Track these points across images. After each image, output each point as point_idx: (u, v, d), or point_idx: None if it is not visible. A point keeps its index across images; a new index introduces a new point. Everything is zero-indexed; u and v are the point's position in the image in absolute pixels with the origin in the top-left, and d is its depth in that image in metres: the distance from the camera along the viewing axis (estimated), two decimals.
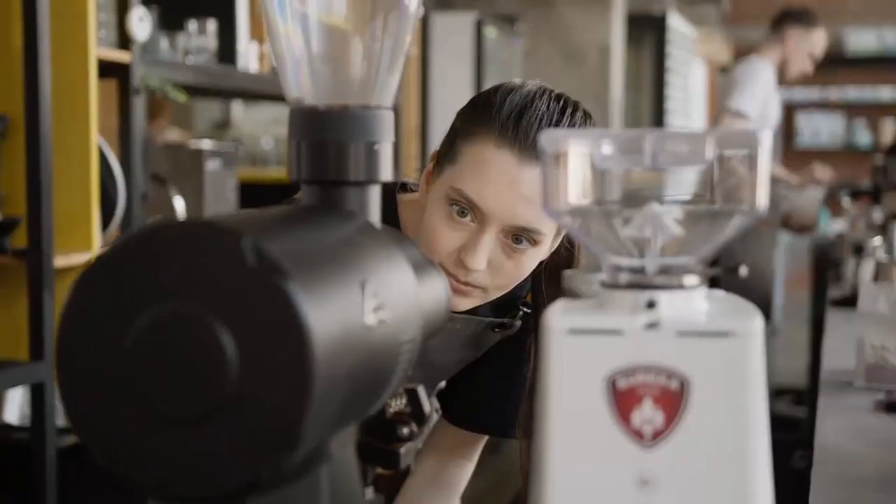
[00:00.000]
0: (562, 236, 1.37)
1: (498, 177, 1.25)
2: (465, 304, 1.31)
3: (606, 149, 0.69)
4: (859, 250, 3.23)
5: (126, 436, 0.62)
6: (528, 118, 1.27)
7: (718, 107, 4.39)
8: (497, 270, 1.29)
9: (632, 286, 0.69)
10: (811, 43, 4.54)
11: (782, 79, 4.56)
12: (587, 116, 1.35)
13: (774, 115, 4.61)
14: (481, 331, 1.45)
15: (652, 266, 0.69)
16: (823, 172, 4.96)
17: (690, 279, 0.69)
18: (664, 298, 0.68)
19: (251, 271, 0.59)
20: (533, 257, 1.30)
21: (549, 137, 0.69)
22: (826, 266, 4.62)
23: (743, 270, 0.70)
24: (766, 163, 0.67)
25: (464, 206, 1.27)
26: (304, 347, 0.59)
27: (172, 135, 4.85)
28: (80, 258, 2.37)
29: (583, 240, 0.71)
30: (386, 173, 0.80)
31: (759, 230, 4.50)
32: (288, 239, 0.64)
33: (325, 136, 0.78)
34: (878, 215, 4.21)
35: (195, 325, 0.60)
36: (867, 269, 2.85)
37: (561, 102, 1.31)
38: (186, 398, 0.60)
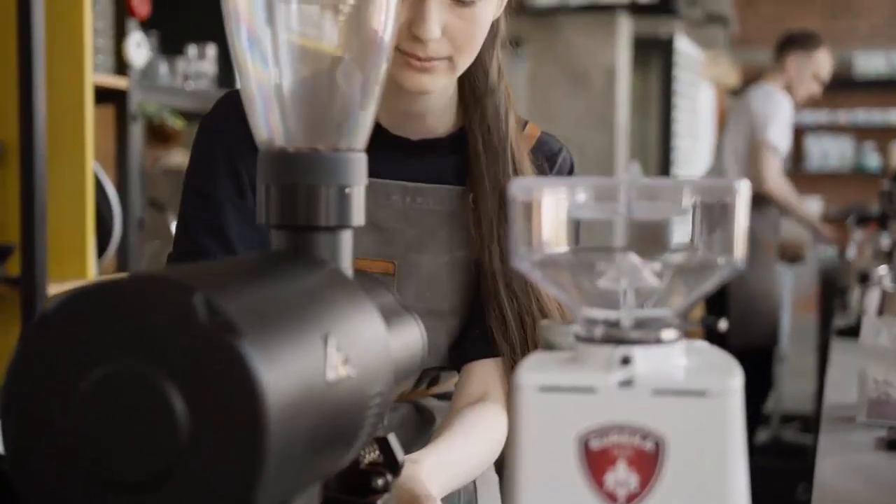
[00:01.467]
0: None
1: None
2: (436, 81, 1.27)
3: (580, 197, 0.66)
4: (865, 279, 3.19)
5: (73, 500, 0.59)
6: None
7: (752, 141, 4.33)
8: (454, 35, 1.25)
9: (607, 340, 0.66)
10: (814, 66, 4.52)
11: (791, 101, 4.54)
12: None
13: (789, 144, 4.63)
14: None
15: (627, 319, 0.67)
16: (843, 236, 4.95)
17: (668, 333, 0.67)
18: (640, 354, 0.65)
19: (202, 328, 0.57)
20: (485, 10, 1.26)
21: (519, 185, 0.67)
22: (832, 293, 4.59)
23: (722, 325, 0.68)
24: (743, 213, 0.64)
25: None
26: (256, 407, 0.56)
27: (178, 157, 4.84)
28: (74, 286, 2.35)
29: (555, 292, 0.69)
30: (359, 218, 0.78)
31: (767, 253, 4.47)
32: (245, 292, 0.62)
33: (295, 180, 0.76)
34: (885, 241, 4.18)
35: (145, 384, 0.57)
36: (873, 298, 2.82)
37: None
38: (135, 461, 0.58)
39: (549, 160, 1.41)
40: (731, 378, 0.64)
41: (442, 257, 1.36)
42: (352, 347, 0.67)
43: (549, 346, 0.73)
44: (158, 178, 2.99)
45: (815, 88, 4.57)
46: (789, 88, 4.51)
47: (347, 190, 0.77)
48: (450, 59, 1.26)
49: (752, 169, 4.40)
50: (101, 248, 2.51)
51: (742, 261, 0.65)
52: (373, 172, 1.32)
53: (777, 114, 4.39)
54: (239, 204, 1.31)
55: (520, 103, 6.94)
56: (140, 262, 2.63)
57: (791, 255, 4.81)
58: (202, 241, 1.30)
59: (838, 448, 1.65)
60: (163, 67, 2.84)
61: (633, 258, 0.67)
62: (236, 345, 0.56)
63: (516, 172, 1.34)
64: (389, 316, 0.78)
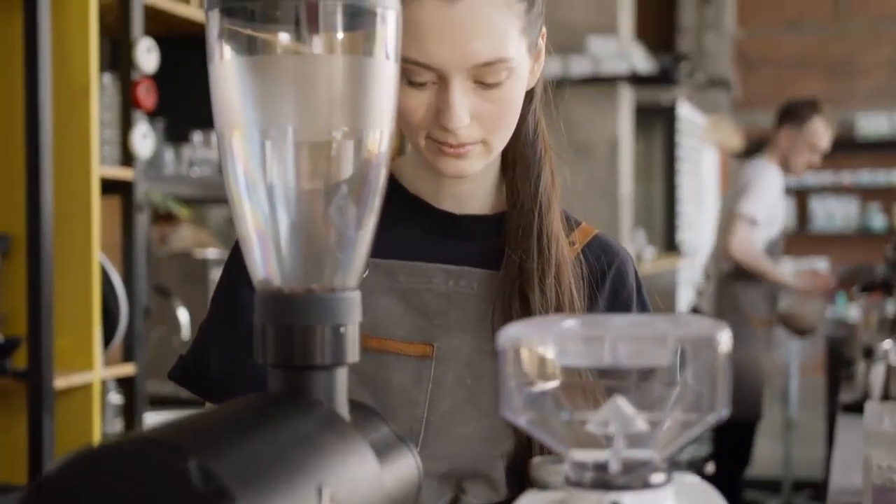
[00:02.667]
0: (542, 58, 1.29)
1: (432, 26, 1.16)
2: (473, 165, 1.23)
3: (567, 346, 0.68)
4: (869, 353, 3.19)
5: None
6: None
7: (727, 211, 4.37)
8: (484, 119, 1.20)
9: (595, 485, 0.67)
10: (808, 136, 4.53)
11: (789, 171, 4.56)
12: None
13: (780, 218, 4.62)
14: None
15: (616, 464, 0.68)
16: (824, 281, 4.93)
17: (657, 477, 0.68)
18: (629, 499, 0.66)
19: (197, 496, 0.58)
20: (513, 88, 1.21)
21: (506, 335, 0.68)
22: (839, 361, 4.58)
23: (709, 468, 0.69)
24: (724, 363, 0.66)
25: (416, 71, 1.17)
26: None
27: (186, 233, 4.87)
28: (80, 378, 2.36)
29: (543, 437, 0.70)
30: (353, 355, 0.79)
31: (756, 328, 4.46)
32: (239, 450, 0.63)
33: (291, 321, 0.78)
34: (891, 308, 4.17)
35: None
36: (878, 373, 2.81)
37: None
38: None
39: (607, 262, 1.34)
40: None
41: (486, 345, 1.27)
42: (345, 493, 0.69)
43: (541, 485, 0.74)
44: (164, 262, 3.02)
45: (812, 158, 4.59)
46: (785, 161, 4.54)
47: (342, 329, 0.78)
48: (483, 142, 1.22)
49: (724, 239, 4.42)
50: (107, 338, 2.53)
51: (727, 407, 0.66)
52: (416, 254, 1.32)
53: (756, 184, 4.40)
54: None
55: None
56: (146, 349, 2.65)
57: (798, 330, 4.78)
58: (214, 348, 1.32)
59: None
60: (168, 154, 2.88)
61: (622, 403, 0.68)
62: None
63: (553, 264, 1.28)
64: (384, 450, 0.79)
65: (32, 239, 2.32)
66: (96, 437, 2.37)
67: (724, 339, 0.66)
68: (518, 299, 1.27)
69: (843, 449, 2.39)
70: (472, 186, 1.32)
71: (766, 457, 6.69)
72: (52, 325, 2.32)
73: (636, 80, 5.63)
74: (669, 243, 7.23)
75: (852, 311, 7.98)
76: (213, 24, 0.78)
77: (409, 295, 1.28)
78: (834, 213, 10.32)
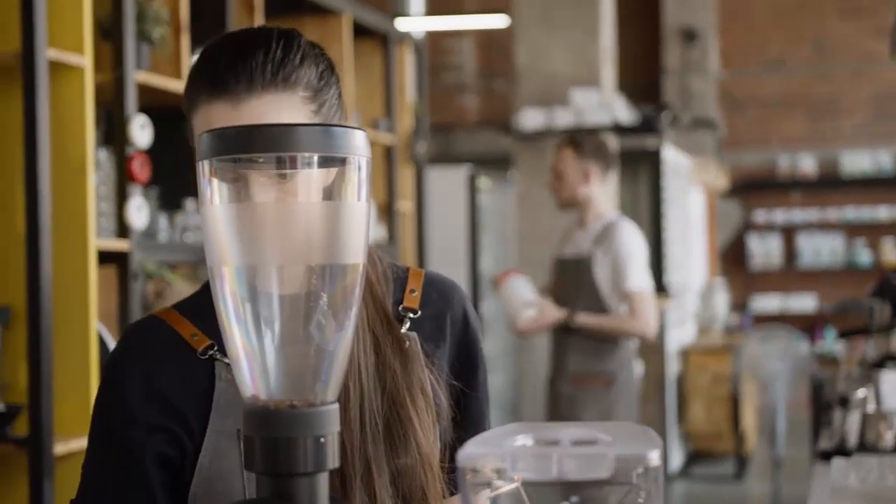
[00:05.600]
0: None
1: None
2: None
3: (519, 464, 0.77)
4: (845, 402, 3.28)
5: None
6: (226, 58, 1.22)
7: (620, 296, 3.97)
8: None
9: None
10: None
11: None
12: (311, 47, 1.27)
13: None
14: None
15: None
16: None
17: None
18: None
19: None
20: (310, 182, 1.24)
21: (465, 454, 0.78)
22: (821, 403, 4.67)
23: None
24: (659, 480, 0.75)
25: None
26: None
27: (180, 289, 4.94)
28: (80, 444, 2.45)
29: None
30: (333, 461, 0.89)
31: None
32: None
33: (276, 433, 0.87)
34: (871, 351, 4.27)
35: None
36: (853, 421, 2.89)
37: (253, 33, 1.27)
38: None
39: (444, 298, 1.39)
40: None
41: None
42: None
43: None
44: None
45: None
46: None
47: (322, 439, 0.88)
48: None
49: None
50: None
51: None
52: None
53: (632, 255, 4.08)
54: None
55: (508, 224, 7.11)
56: None
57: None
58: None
59: None
60: (163, 222, 2.97)
61: None
62: None
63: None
64: None
65: (32, 310, 2.41)
66: None
67: (654, 456, 0.76)
68: None
69: (816, 499, 2.47)
70: None
71: (754, 495, 6.78)
72: (52, 392, 2.41)
73: (619, 129, 5.75)
74: (657, 285, 7.33)
75: (838, 346, 8.06)
76: (205, 172, 0.88)
77: None
78: (821, 250, 10.45)
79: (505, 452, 0.79)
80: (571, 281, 4.02)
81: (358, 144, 0.89)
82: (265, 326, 0.89)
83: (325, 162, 0.87)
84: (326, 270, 0.89)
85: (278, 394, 0.89)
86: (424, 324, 1.35)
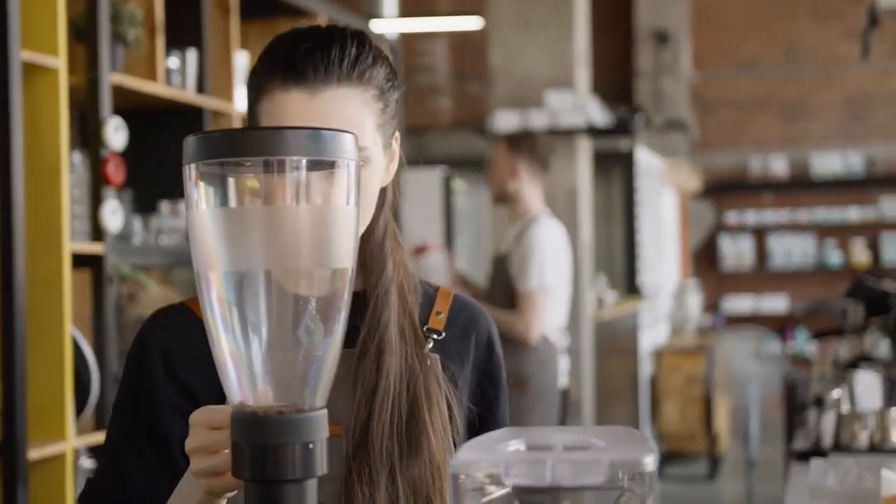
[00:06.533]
0: (396, 161, 1.33)
1: (296, 115, 1.22)
2: None
3: (512, 470, 0.77)
4: (820, 402, 3.29)
5: None
6: (303, 48, 1.24)
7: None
8: None
9: None
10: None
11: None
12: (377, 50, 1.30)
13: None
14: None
15: None
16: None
17: None
18: None
19: None
20: (368, 177, 1.25)
21: (458, 461, 0.77)
22: (796, 403, 4.68)
23: None
24: (654, 484, 0.75)
25: None
26: None
27: (154, 292, 4.90)
28: (54, 448, 2.42)
29: None
30: (321, 468, 0.88)
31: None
32: None
33: (265, 440, 0.86)
34: (844, 351, 4.29)
35: None
36: (828, 422, 2.91)
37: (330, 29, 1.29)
38: None
39: (471, 320, 1.40)
40: None
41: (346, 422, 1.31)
42: None
43: None
44: (133, 326, 3.07)
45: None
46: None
47: (311, 445, 0.87)
48: None
49: None
50: (80, 408, 2.59)
51: None
52: None
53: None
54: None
55: (483, 226, 7.10)
56: None
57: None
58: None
59: None
60: (137, 224, 2.95)
61: None
62: None
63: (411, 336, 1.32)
64: None
65: (6, 313, 2.39)
66: None
67: (650, 461, 0.75)
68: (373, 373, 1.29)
69: (793, 499, 2.48)
70: None
71: (727, 495, 6.81)
72: (26, 397, 2.38)
73: (593, 131, 5.76)
74: (630, 286, 7.35)
75: (810, 347, 8.11)
76: (191, 176, 0.87)
77: None
78: (792, 251, 10.51)
79: (498, 458, 0.78)
80: (494, 277, 4.00)
81: (346, 148, 0.88)
82: (252, 332, 0.88)
83: (314, 166, 0.87)
84: (314, 275, 0.88)
85: (266, 400, 0.88)
86: (449, 345, 1.35)
